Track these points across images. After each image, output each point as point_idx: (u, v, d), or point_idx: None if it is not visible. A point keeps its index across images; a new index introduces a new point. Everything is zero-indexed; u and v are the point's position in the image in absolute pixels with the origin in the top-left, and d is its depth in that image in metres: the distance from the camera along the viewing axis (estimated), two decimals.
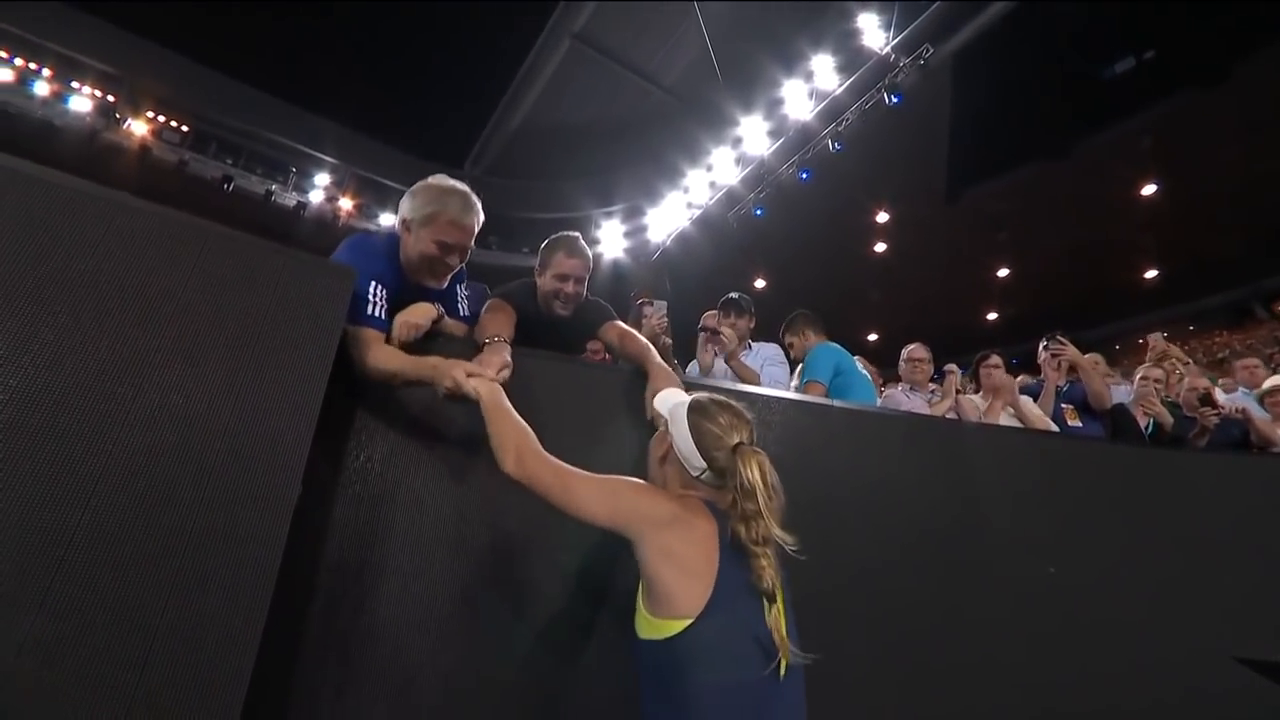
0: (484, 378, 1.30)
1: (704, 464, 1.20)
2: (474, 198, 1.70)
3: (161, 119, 14.57)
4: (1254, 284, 19.22)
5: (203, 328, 1.08)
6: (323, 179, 13.75)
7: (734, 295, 3.12)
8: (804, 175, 13.16)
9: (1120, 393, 3.55)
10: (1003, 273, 18.61)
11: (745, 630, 1.08)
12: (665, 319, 3.02)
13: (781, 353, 3.02)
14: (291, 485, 1.05)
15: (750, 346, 3.00)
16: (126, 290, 1.03)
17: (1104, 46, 13.44)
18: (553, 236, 2.19)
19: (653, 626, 1.08)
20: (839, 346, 3.03)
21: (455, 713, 1.23)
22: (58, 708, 0.83)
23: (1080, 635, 2.10)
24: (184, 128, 14.72)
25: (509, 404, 1.26)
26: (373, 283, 1.44)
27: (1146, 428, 3.36)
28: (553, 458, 1.18)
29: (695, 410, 1.24)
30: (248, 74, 13.53)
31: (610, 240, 15.30)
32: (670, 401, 1.32)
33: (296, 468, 1.07)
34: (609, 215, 15.22)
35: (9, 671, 0.81)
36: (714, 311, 3.32)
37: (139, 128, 13.90)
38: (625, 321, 3.61)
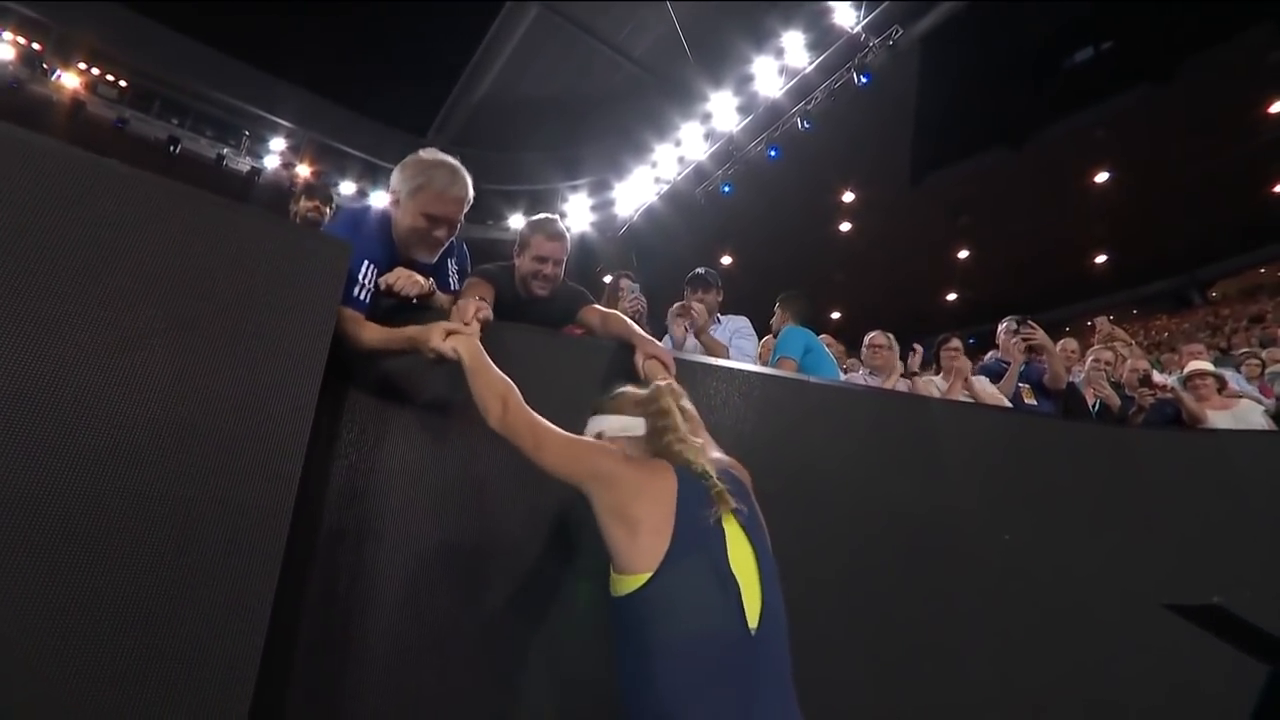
0: (462, 334, 1.34)
1: (638, 421, 1.30)
2: (463, 171, 1.72)
3: (96, 72, 13.66)
4: (1191, 273, 20.33)
5: (207, 302, 1.08)
6: (278, 144, 13.15)
7: (701, 271, 3.20)
8: (773, 153, 13.23)
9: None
10: (962, 255, 19.19)
11: (709, 581, 1.11)
12: (639, 299, 3.07)
13: (749, 325, 3.12)
14: (295, 458, 1.08)
15: (719, 320, 3.08)
16: (130, 263, 1.03)
17: (1066, 36, 13.83)
18: (532, 219, 2.20)
19: (618, 583, 1.13)
20: (808, 330, 3.16)
21: (448, 668, 1.29)
22: (71, 670, 0.85)
23: (1035, 597, 2.28)
24: (121, 83, 13.84)
25: (489, 359, 1.31)
26: (365, 263, 1.45)
27: (1093, 406, 3.59)
28: (533, 413, 1.24)
29: (598, 408, 1.36)
30: (193, 26, 12.75)
31: (577, 214, 15.16)
32: (589, 428, 1.37)
33: (300, 439, 1.09)
34: (575, 189, 15.06)
35: (22, 632, 0.82)
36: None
37: (70, 81, 13.00)
38: (601, 299, 3.66)
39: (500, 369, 1.31)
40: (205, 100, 13.72)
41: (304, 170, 13.16)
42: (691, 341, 2.79)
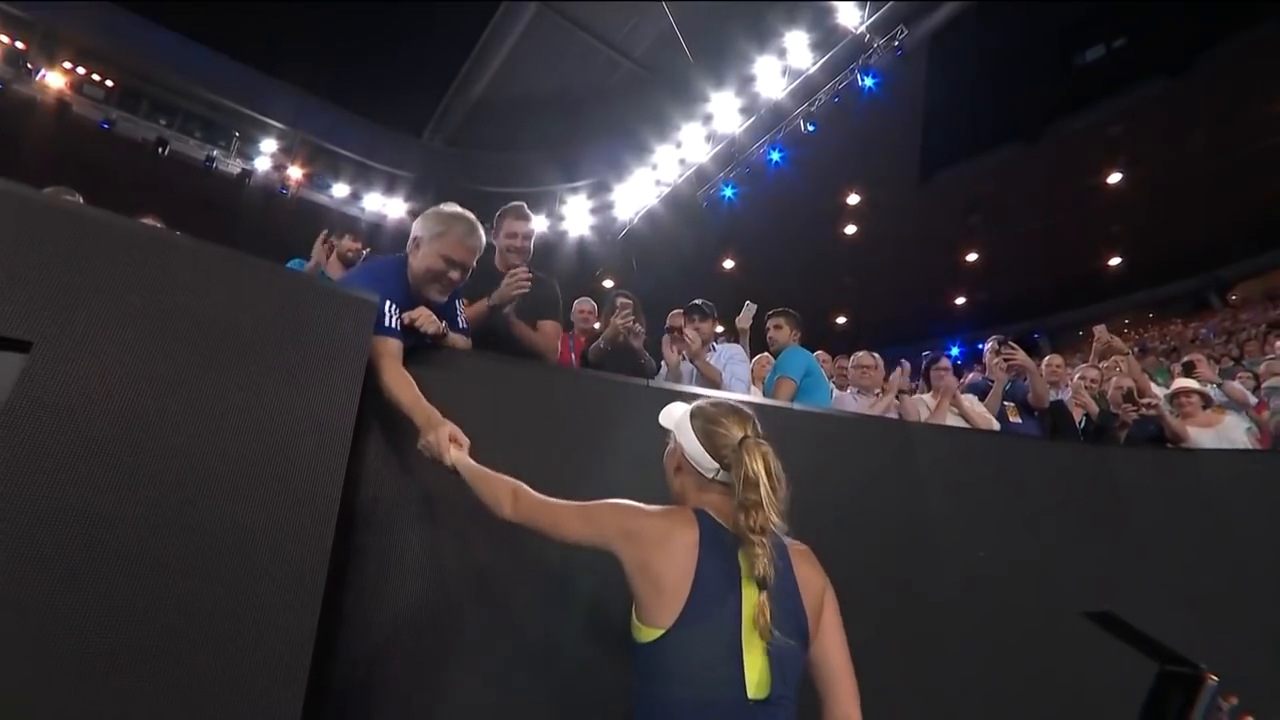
0: (458, 447, 1.45)
1: (715, 464, 1.30)
2: (479, 226, 1.98)
3: (82, 71, 13.92)
4: (1211, 274, 20.54)
5: (257, 353, 1.33)
6: (269, 145, 13.40)
7: (698, 301, 3.44)
8: (780, 155, 13.49)
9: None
10: (972, 257, 19.43)
11: (715, 647, 1.15)
12: (631, 317, 3.31)
13: (743, 352, 3.37)
14: (335, 486, 1.32)
15: (714, 348, 3.33)
16: (192, 317, 1.28)
17: (1076, 33, 14.07)
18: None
19: (636, 629, 1.21)
20: (808, 351, 3.41)
21: (467, 681, 1.53)
22: (115, 684, 1.08)
23: (1017, 613, 2.51)
24: (109, 82, 14.09)
25: (483, 468, 1.42)
26: (386, 302, 1.70)
27: (1080, 421, 3.84)
28: (541, 496, 1.33)
29: (699, 416, 1.36)
30: (182, 24, 13.01)
31: (575, 217, 15.41)
32: (675, 414, 1.42)
33: (338, 471, 1.33)
34: (574, 191, 15.31)
35: (80, 640, 1.05)
36: (679, 311, 3.63)
37: (55, 80, 13.24)
38: (600, 311, 3.94)
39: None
40: (194, 100, 13.95)
41: (296, 172, 13.40)
42: (686, 367, 3.04)
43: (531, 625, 1.51)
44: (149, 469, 1.18)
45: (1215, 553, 2.97)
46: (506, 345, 2.49)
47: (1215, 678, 0.99)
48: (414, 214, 14.69)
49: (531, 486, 1.40)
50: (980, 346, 25.54)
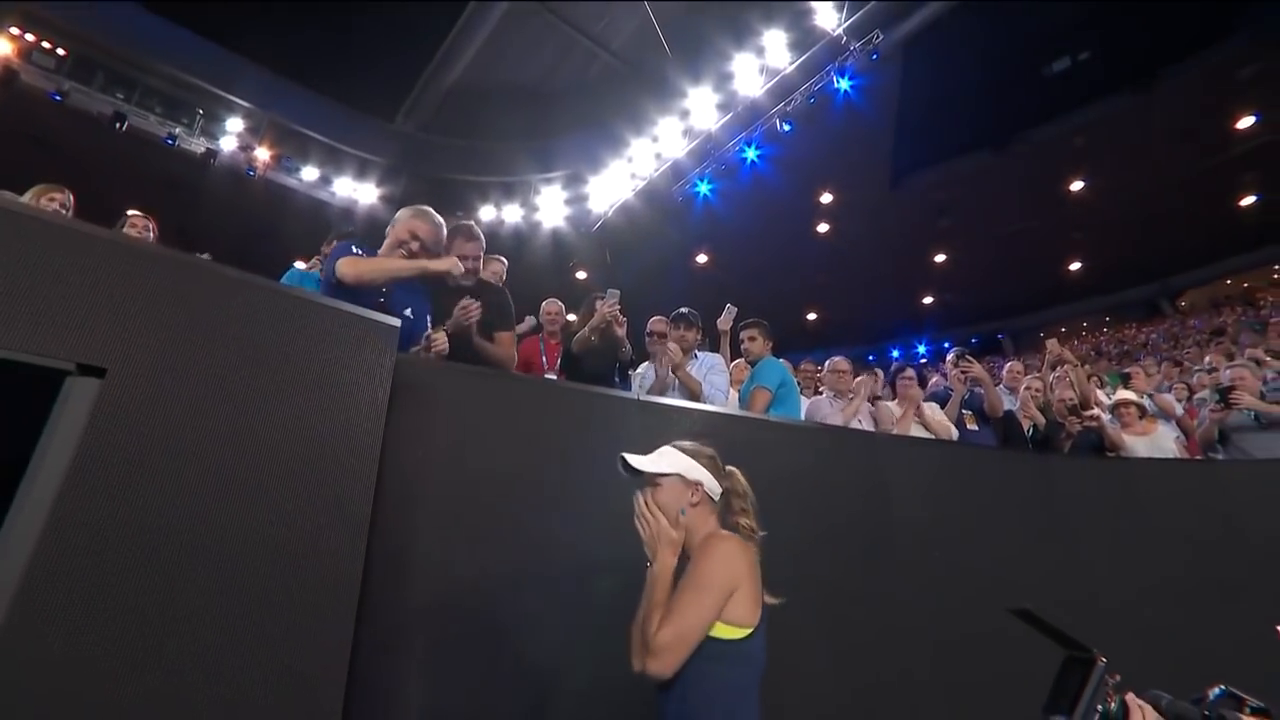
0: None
1: (720, 488, 1.62)
2: (434, 212, 2.67)
3: (31, 38, 13.40)
4: (1163, 281, 21.61)
5: (296, 375, 1.49)
6: (235, 124, 13.11)
7: (684, 310, 3.65)
8: (756, 154, 13.76)
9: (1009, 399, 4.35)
10: (940, 258, 20.07)
11: (766, 637, 1.47)
12: (618, 306, 3.47)
13: (722, 362, 3.59)
14: (366, 492, 1.50)
15: (696, 356, 3.54)
16: (248, 352, 1.44)
17: (1044, 44, 14.63)
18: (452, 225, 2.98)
19: (722, 630, 1.41)
20: (781, 363, 3.65)
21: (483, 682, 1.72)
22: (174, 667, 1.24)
23: (970, 609, 2.78)
24: (60, 50, 13.60)
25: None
26: (353, 246, 2.26)
27: (1029, 430, 4.17)
28: (676, 629, 1.38)
29: (694, 453, 1.62)
30: None
31: (550, 208, 15.46)
32: (671, 459, 1.61)
33: (369, 478, 1.51)
34: (549, 181, 15.35)
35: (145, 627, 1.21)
36: (661, 318, 3.83)
37: (2, 46, 12.75)
38: (579, 311, 4.13)
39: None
40: (153, 74, 13.53)
41: (263, 154, 13.17)
42: (669, 376, 3.26)
43: (551, 624, 1.68)
44: (202, 479, 1.34)
45: (1144, 552, 3.31)
46: (468, 361, 2.63)
47: (1104, 659, 1.25)
48: (386, 200, 14.61)
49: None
50: (946, 346, 26.32)
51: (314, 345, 1.56)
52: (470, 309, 2.60)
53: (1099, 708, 1.23)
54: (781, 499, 2.47)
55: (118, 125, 13.08)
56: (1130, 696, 1.23)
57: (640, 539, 1.53)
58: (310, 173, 13.72)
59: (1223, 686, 1.19)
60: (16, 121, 13.27)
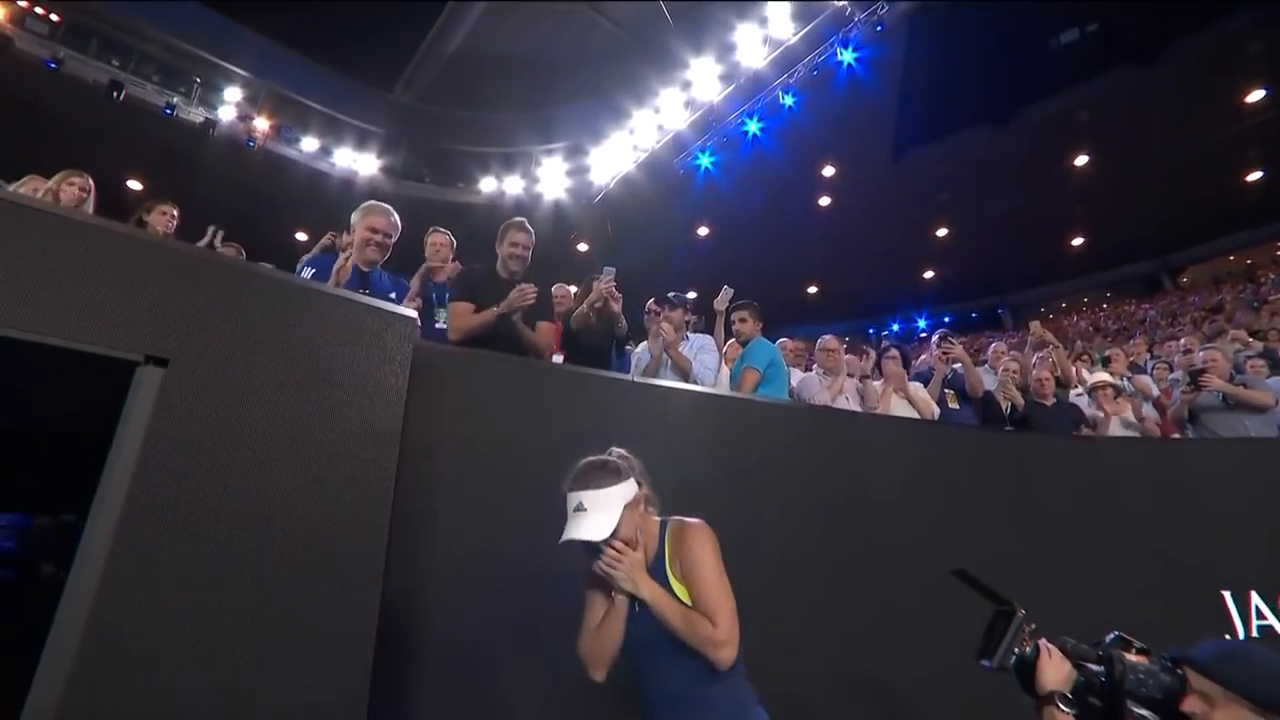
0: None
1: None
2: (386, 207, 3.07)
3: (24, 3, 13.28)
4: (1164, 258, 21.68)
5: (328, 365, 1.70)
6: (233, 93, 13.10)
7: (671, 295, 3.83)
8: (758, 126, 13.76)
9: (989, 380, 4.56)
10: (941, 233, 20.14)
11: None
12: (614, 284, 3.66)
13: (712, 343, 3.78)
14: (388, 477, 1.72)
15: (687, 337, 3.73)
16: (287, 348, 1.64)
17: (1052, 16, 14.49)
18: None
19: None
20: (771, 344, 3.85)
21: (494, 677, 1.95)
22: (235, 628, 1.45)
23: (943, 584, 2.98)
24: (54, 17, 13.49)
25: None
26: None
27: (1007, 409, 4.38)
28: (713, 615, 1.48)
29: (617, 471, 1.59)
30: None
31: (551, 179, 15.50)
32: (608, 501, 1.55)
33: (391, 460, 1.73)
34: (550, 153, 15.38)
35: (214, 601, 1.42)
36: (655, 300, 4.04)
37: None
38: (577, 289, 4.31)
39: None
40: (149, 41, 13.46)
41: (262, 124, 13.19)
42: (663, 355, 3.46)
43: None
44: (249, 456, 1.55)
45: (1111, 526, 3.52)
46: (509, 345, 2.88)
47: (1024, 611, 1.48)
48: (386, 171, 14.65)
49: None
50: (947, 320, 26.30)
51: (341, 336, 1.75)
52: (528, 293, 2.90)
53: (1016, 650, 1.46)
54: (765, 477, 2.69)
55: (115, 94, 13.05)
56: (1043, 641, 1.46)
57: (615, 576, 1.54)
58: (310, 143, 13.77)
59: (1116, 632, 1.42)
60: (9, 88, 13.21)
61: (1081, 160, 17.49)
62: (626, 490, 1.58)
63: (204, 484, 1.49)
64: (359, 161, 14.22)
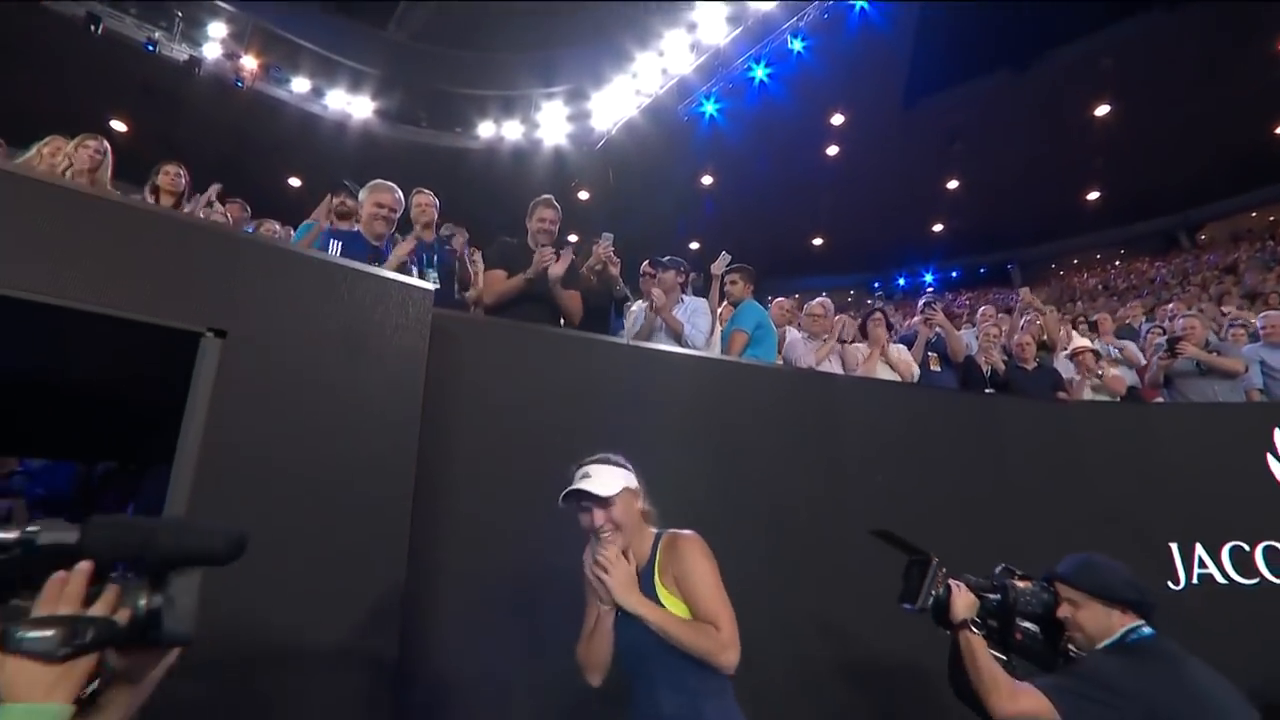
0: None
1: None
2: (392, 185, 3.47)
3: None
4: (1184, 213, 21.65)
5: (359, 335, 2.02)
6: (217, 29, 12.96)
7: (665, 258, 4.12)
8: (765, 71, 13.65)
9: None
10: (952, 185, 20.09)
11: None
12: (612, 249, 3.98)
13: (705, 306, 4.07)
14: (411, 438, 2.06)
15: (683, 300, 4.02)
16: (325, 322, 1.96)
17: None
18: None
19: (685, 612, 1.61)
20: (760, 306, 4.16)
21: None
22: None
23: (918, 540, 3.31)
24: None
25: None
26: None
27: (988, 371, 4.71)
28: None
29: (620, 463, 1.74)
30: None
31: (551, 125, 15.44)
32: (612, 475, 1.69)
33: (414, 418, 2.06)
34: (550, 97, 15.27)
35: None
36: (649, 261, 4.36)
37: None
38: (575, 258, 4.63)
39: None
40: None
41: (250, 62, 13.10)
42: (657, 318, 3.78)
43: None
44: (293, 414, 1.88)
45: (1072, 484, 3.87)
46: (541, 307, 3.40)
47: (937, 559, 1.83)
48: (381, 115, 14.58)
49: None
50: (955, 275, 26.28)
51: (371, 308, 2.06)
52: (548, 256, 3.39)
53: (934, 592, 1.81)
54: (747, 438, 3.02)
55: (92, 27, 12.89)
56: (952, 580, 1.81)
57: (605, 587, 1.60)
58: (301, 84, 13.67)
59: (1003, 565, 1.79)
60: None
61: (1103, 110, 17.33)
62: (628, 477, 1.71)
63: (260, 435, 1.82)
64: (353, 104, 14.16)
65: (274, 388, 1.87)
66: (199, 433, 1.72)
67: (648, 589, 1.64)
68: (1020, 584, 1.74)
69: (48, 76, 13.42)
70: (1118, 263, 22.22)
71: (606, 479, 1.66)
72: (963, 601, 1.76)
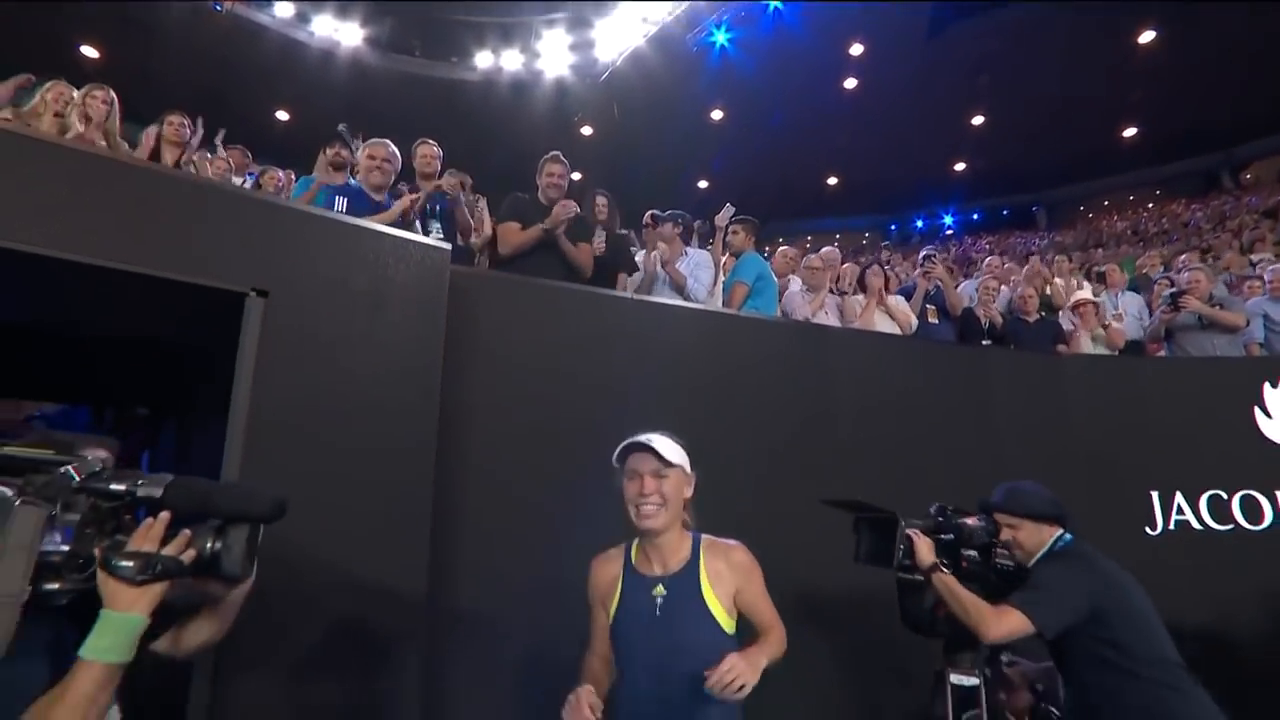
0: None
1: None
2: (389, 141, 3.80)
3: None
4: (1228, 151, 21.28)
5: (384, 296, 2.33)
6: None
7: (666, 212, 4.42)
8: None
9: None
10: (977, 121, 19.81)
11: None
12: (606, 207, 4.33)
13: (709, 258, 4.34)
14: (431, 409, 2.39)
15: (686, 253, 4.29)
16: (353, 284, 2.27)
17: None
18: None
19: (731, 625, 1.72)
20: (761, 258, 4.43)
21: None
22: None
23: (911, 496, 3.57)
24: None
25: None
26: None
27: (985, 325, 4.98)
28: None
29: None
30: None
31: (553, 54, 15.27)
32: (674, 448, 1.74)
33: (432, 393, 2.39)
34: (551, 24, 15.04)
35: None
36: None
37: None
38: (580, 210, 4.92)
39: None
40: None
41: None
42: (661, 272, 4.08)
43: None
44: (328, 366, 2.21)
45: (1060, 435, 4.19)
46: (554, 259, 3.67)
47: (903, 520, 2.12)
48: (371, 43, 14.44)
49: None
50: (976, 217, 26.01)
51: (393, 265, 2.36)
52: (570, 206, 3.67)
53: (902, 547, 2.11)
54: (744, 389, 3.33)
55: None
56: (910, 532, 2.12)
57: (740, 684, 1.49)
58: (284, 8, 13.50)
59: (937, 504, 2.15)
60: None
61: (1147, 36, 16.85)
62: (687, 461, 1.78)
63: (300, 387, 2.15)
64: (340, 31, 14.02)
65: (312, 341, 2.19)
66: (249, 384, 2.05)
67: (692, 592, 1.72)
68: (969, 521, 2.11)
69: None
70: (1151, 205, 21.99)
71: (671, 448, 1.74)
72: (926, 548, 2.07)
